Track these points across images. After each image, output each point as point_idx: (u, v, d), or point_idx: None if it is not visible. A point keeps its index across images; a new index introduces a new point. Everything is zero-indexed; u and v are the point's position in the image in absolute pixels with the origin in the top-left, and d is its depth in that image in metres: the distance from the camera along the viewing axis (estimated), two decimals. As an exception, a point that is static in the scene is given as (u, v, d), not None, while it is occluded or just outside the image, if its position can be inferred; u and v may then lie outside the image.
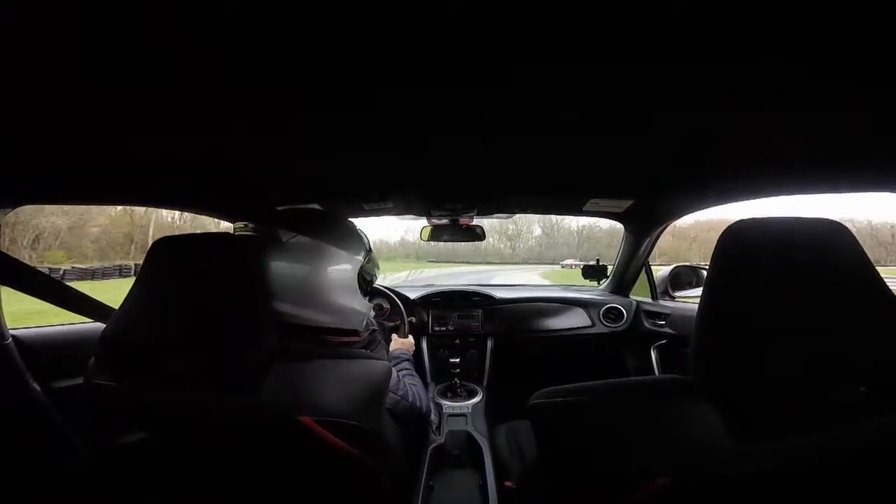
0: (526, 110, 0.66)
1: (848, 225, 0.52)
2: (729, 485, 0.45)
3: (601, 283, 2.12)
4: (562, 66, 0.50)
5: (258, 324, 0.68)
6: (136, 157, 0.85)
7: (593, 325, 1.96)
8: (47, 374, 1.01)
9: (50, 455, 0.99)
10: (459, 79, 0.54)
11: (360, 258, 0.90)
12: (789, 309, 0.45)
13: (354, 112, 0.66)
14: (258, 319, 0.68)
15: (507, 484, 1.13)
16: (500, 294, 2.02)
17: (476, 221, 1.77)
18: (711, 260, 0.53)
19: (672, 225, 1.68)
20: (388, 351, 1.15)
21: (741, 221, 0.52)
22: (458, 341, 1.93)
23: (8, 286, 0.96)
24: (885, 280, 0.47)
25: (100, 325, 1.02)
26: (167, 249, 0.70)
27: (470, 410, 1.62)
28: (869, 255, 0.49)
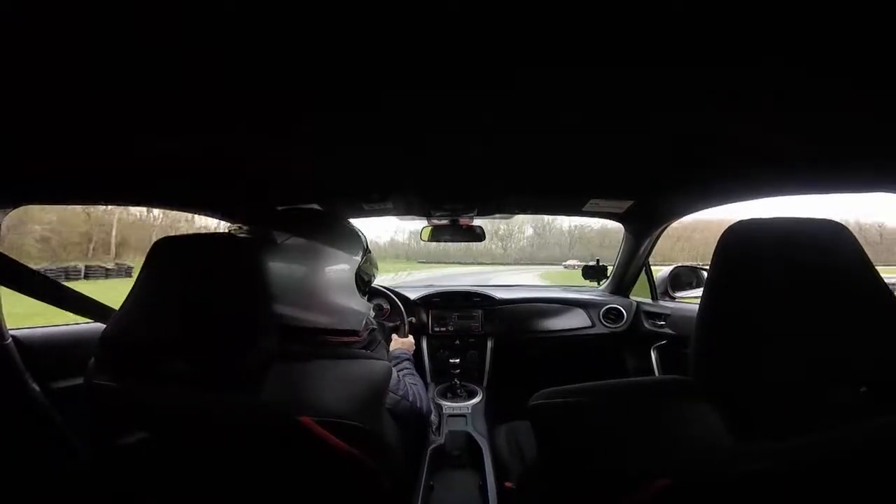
0: (526, 110, 0.66)
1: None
2: (729, 485, 0.45)
3: (601, 283, 2.12)
4: (562, 66, 0.50)
5: (258, 324, 0.68)
6: (136, 157, 0.85)
7: (593, 325, 1.96)
8: (47, 374, 1.00)
9: (50, 455, 0.99)
10: (459, 79, 0.54)
11: (358, 258, 0.90)
12: (790, 309, 0.45)
13: (354, 112, 0.66)
14: (258, 320, 0.68)
15: (507, 484, 1.13)
16: (500, 294, 2.02)
17: (476, 222, 1.78)
18: (712, 260, 0.53)
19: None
20: (388, 351, 1.15)
21: (742, 222, 0.52)
22: (457, 342, 1.93)
23: (7, 287, 0.96)
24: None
25: (100, 325, 1.02)
26: (167, 249, 0.69)
27: (470, 411, 1.62)
28: None
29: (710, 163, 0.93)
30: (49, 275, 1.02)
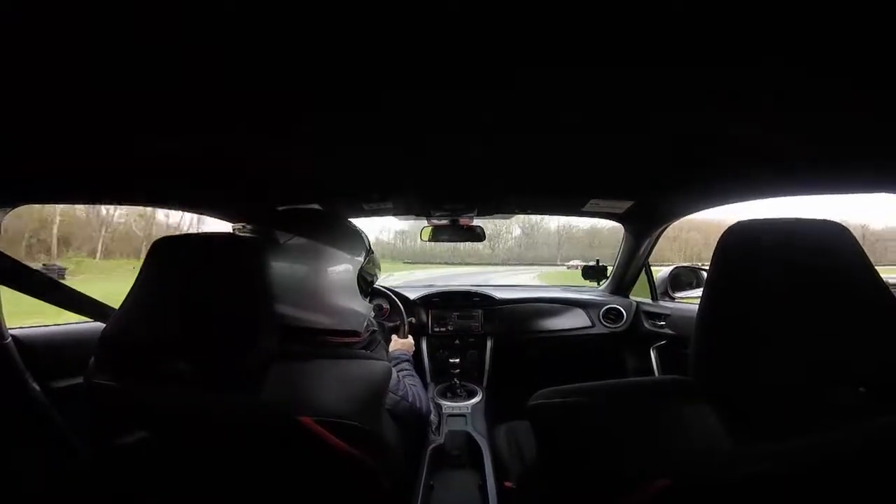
0: (526, 110, 0.66)
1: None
2: (728, 486, 0.45)
3: (601, 283, 2.12)
4: (562, 66, 0.50)
5: (259, 324, 0.67)
6: (136, 157, 0.85)
7: (593, 325, 1.96)
8: (47, 373, 1.00)
9: (49, 455, 0.99)
10: (459, 79, 0.54)
11: (361, 259, 0.90)
12: (788, 311, 0.45)
13: (354, 112, 0.66)
14: (259, 320, 0.68)
15: (507, 484, 1.13)
16: (500, 294, 2.02)
17: (476, 222, 1.78)
18: (712, 261, 0.53)
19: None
20: (387, 351, 1.15)
21: (741, 222, 0.52)
22: (457, 341, 1.93)
23: (7, 286, 0.96)
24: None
25: (100, 325, 1.02)
26: (167, 249, 0.70)
27: (469, 411, 1.62)
28: None
29: (710, 163, 0.93)
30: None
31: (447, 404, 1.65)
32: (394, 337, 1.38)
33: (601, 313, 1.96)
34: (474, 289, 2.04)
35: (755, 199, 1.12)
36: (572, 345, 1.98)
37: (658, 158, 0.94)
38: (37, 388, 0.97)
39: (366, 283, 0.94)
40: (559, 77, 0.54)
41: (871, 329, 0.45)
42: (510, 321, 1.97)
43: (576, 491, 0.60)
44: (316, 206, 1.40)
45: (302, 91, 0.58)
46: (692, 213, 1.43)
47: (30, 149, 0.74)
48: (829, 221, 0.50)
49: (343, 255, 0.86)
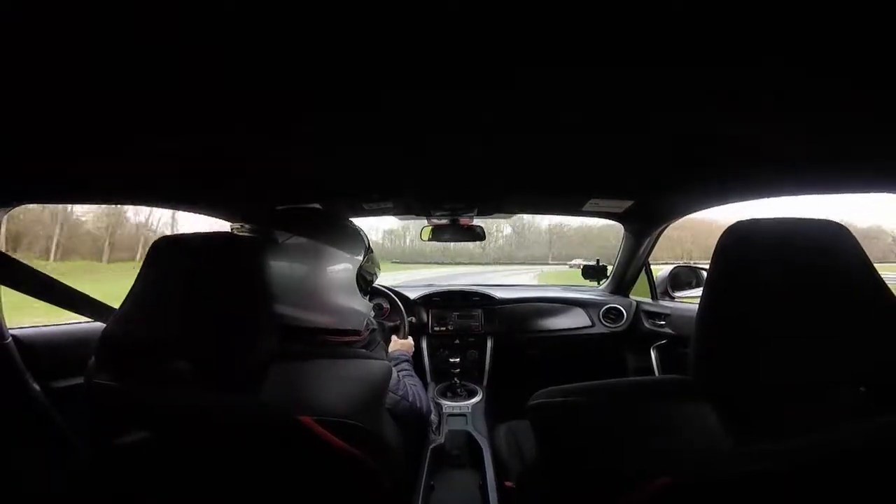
0: (526, 110, 0.66)
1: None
2: (728, 485, 0.45)
3: (601, 283, 2.12)
4: (562, 66, 0.50)
5: (259, 324, 0.68)
6: (136, 157, 0.85)
7: (593, 325, 1.96)
8: (47, 373, 1.01)
9: (49, 455, 0.99)
10: (459, 79, 0.54)
11: (360, 258, 0.90)
12: (788, 311, 0.45)
13: (354, 112, 0.66)
14: (258, 319, 0.68)
15: (508, 484, 1.13)
16: (499, 294, 2.02)
17: (476, 221, 1.78)
18: (711, 260, 0.53)
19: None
20: (386, 352, 1.15)
21: (741, 222, 0.52)
22: (457, 341, 1.93)
23: (7, 286, 0.96)
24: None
25: (100, 325, 1.03)
26: (167, 249, 0.70)
27: (470, 410, 1.62)
28: None
29: (710, 163, 0.93)
30: None
31: (447, 404, 1.65)
32: (393, 337, 1.38)
33: (601, 313, 1.96)
34: (474, 288, 2.04)
35: (755, 198, 1.12)
36: (572, 344, 1.98)
37: (658, 158, 0.94)
38: (37, 388, 0.98)
39: (365, 282, 0.94)
40: (559, 77, 0.53)
41: (871, 329, 0.45)
42: (510, 321, 1.97)
43: (576, 490, 0.61)
44: (316, 206, 1.40)
45: (302, 91, 0.58)
46: (692, 212, 1.43)
47: (30, 149, 0.74)
48: (829, 221, 0.50)
49: (342, 254, 0.86)
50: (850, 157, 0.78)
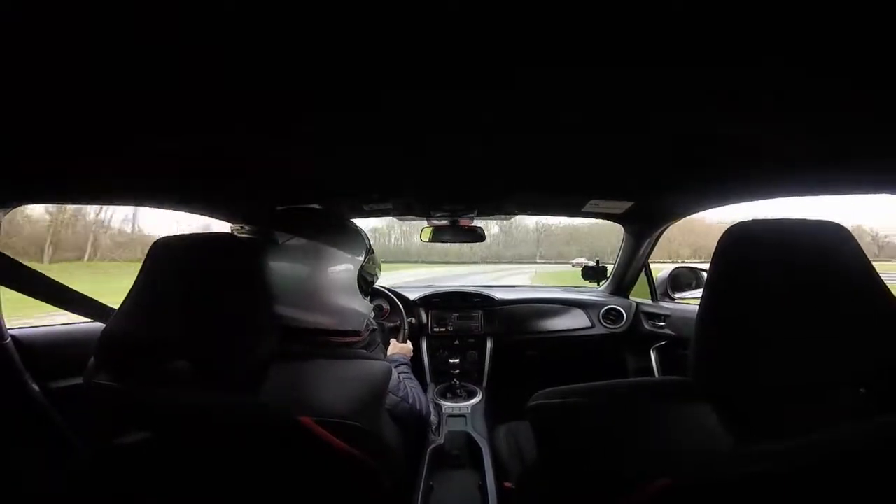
0: (526, 110, 0.66)
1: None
2: (728, 486, 0.45)
3: (601, 284, 2.12)
4: (562, 66, 0.50)
5: (258, 324, 0.67)
6: (137, 157, 0.85)
7: (593, 326, 1.96)
8: (47, 373, 1.00)
9: (49, 455, 0.99)
10: (459, 79, 0.54)
11: (361, 258, 0.90)
12: (788, 312, 0.45)
13: (354, 112, 0.66)
14: (258, 320, 0.68)
15: (507, 485, 1.12)
16: (499, 295, 2.02)
17: (476, 222, 1.78)
18: (711, 261, 0.53)
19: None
20: (385, 354, 1.15)
21: (741, 223, 0.52)
22: (457, 342, 1.93)
23: (7, 286, 0.96)
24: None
25: (100, 325, 1.02)
26: (167, 249, 0.69)
27: (469, 411, 1.62)
28: None
29: (710, 163, 0.93)
30: None
31: (447, 405, 1.65)
32: (392, 341, 1.39)
33: (601, 314, 1.96)
34: (474, 289, 2.04)
35: (755, 199, 1.12)
36: (572, 345, 1.98)
37: (658, 158, 0.94)
38: (36, 388, 0.98)
39: (366, 283, 0.94)
40: (559, 77, 0.53)
41: (871, 330, 0.44)
42: (510, 322, 1.97)
43: (576, 491, 0.60)
44: (316, 206, 1.40)
45: (302, 91, 0.58)
46: (692, 213, 1.43)
47: (30, 149, 0.74)
48: (828, 222, 0.50)
49: (343, 254, 0.86)
50: (850, 157, 0.78)
